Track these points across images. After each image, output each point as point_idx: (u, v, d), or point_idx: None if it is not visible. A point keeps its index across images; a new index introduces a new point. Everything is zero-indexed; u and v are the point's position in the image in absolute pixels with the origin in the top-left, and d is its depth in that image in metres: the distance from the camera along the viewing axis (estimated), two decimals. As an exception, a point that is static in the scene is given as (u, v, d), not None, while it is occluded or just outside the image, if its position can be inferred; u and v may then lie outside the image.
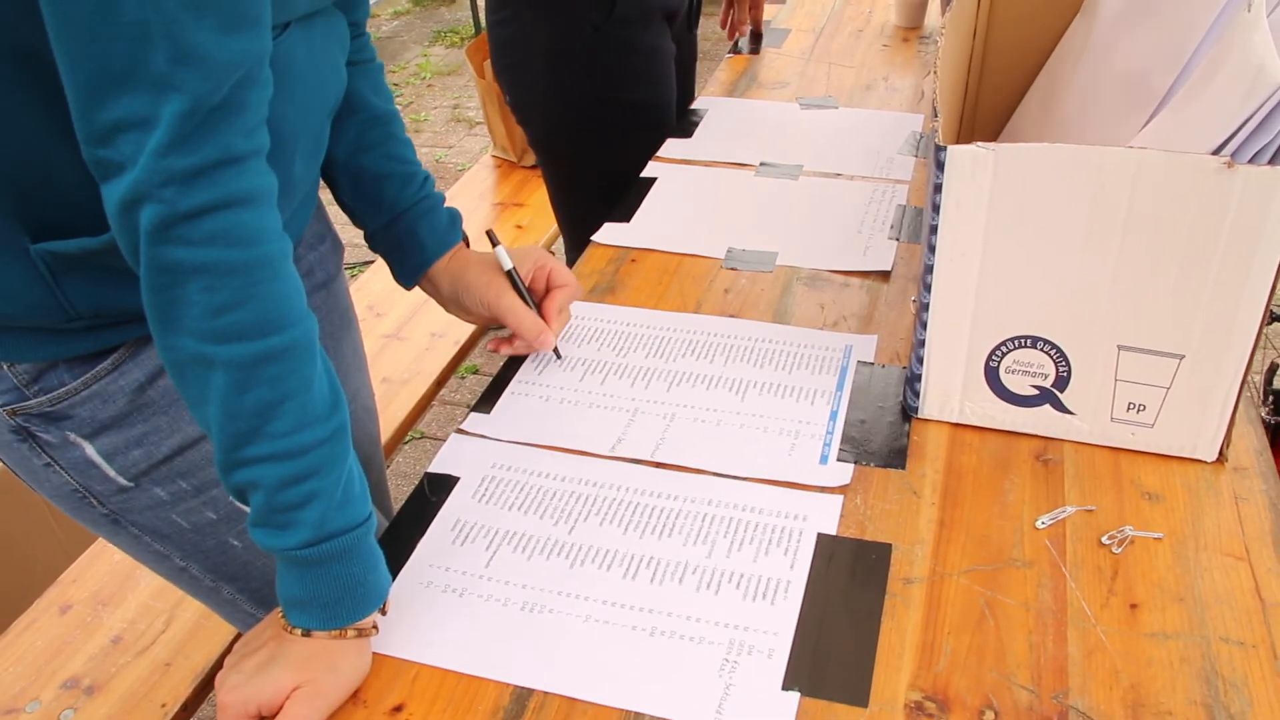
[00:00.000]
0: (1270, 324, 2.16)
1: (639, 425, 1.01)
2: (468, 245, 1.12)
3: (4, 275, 0.79)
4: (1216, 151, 0.85)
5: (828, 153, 1.56)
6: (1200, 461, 0.94)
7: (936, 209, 0.90)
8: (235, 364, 0.69)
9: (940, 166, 0.88)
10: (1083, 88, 1.33)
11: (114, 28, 0.61)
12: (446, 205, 1.10)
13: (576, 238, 1.76)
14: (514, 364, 1.12)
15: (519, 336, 1.08)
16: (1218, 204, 0.82)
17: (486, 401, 1.07)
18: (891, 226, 1.35)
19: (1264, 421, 1.77)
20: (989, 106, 1.53)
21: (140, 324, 0.84)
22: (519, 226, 2.43)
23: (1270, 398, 1.80)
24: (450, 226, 1.10)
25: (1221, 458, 0.94)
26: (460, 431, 1.03)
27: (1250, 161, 0.84)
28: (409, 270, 1.10)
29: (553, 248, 2.46)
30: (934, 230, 0.91)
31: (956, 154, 0.87)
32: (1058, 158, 0.85)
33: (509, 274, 1.07)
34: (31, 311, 0.81)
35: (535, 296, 1.10)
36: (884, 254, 1.29)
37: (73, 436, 0.89)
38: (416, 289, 1.12)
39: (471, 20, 4.96)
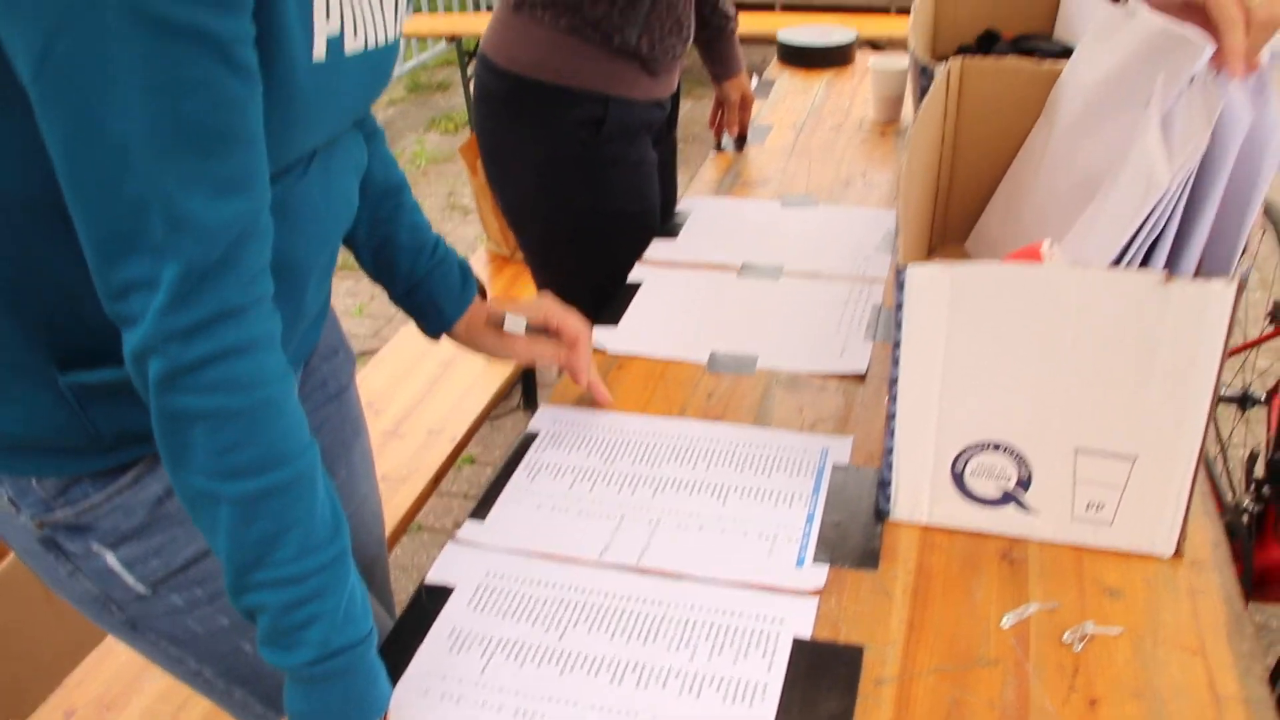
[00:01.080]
0: (1248, 407, 2.20)
1: (625, 531, 1.06)
2: (484, 295, 1.24)
3: (34, 403, 0.85)
4: (1119, 258, 0.91)
5: (808, 252, 1.63)
6: (1159, 557, 0.99)
7: (899, 324, 0.96)
8: (241, 499, 0.74)
9: (901, 285, 0.94)
10: (1043, 191, 1.40)
11: (117, 202, 0.67)
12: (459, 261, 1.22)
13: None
14: (508, 468, 1.17)
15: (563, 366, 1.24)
16: (1156, 316, 0.88)
17: (481, 509, 1.11)
18: (867, 326, 1.41)
19: (1248, 510, 1.80)
20: (961, 202, 1.59)
21: None
22: (514, 319, 2.49)
23: (1252, 485, 1.84)
24: (463, 288, 1.20)
25: (1179, 552, 0.99)
26: (456, 540, 1.07)
27: (1146, 263, 0.91)
28: (432, 330, 1.23)
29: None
30: (898, 345, 0.97)
31: (915, 274, 0.93)
32: (1009, 276, 0.91)
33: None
34: (59, 435, 0.87)
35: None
36: (860, 355, 1.34)
37: (95, 546, 0.94)
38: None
39: (465, 108, 5.09)
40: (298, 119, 0.79)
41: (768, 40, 3.12)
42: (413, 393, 2.13)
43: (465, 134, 5.04)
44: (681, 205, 1.82)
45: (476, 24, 4.91)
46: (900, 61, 2.14)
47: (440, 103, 6.14)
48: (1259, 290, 3.16)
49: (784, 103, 2.33)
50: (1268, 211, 2.53)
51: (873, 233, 1.68)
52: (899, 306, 0.95)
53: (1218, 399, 0.94)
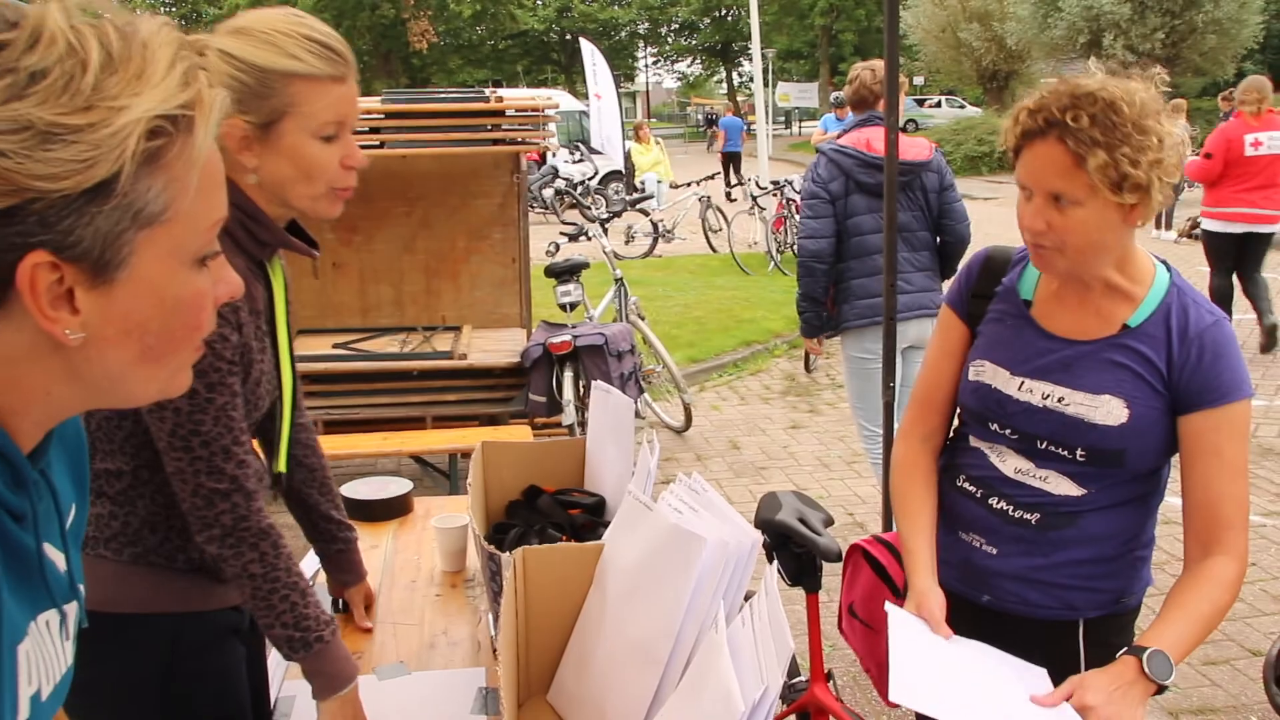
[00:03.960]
0: None
1: None
2: None
3: None
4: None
5: (410, 726, 1.79)
6: None
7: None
8: None
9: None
10: (606, 653, 1.69)
11: None
12: None
13: None
14: None
15: None
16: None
17: None
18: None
19: None
20: (540, 660, 1.84)
21: None
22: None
23: None
24: None
25: None
26: None
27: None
28: None
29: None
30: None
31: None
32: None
33: None
34: None
35: None
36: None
37: None
38: None
39: None
40: None
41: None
42: None
43: None
44: (282, 694, 1.92)
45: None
46: (460, 518, 2.43)
47: None
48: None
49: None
50: None
51: (465, 695, 1.88)
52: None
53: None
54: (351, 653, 2.05)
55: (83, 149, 0.78)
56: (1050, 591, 1.86)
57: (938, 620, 1.79)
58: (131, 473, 1.66)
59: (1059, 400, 1.81)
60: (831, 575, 2.97)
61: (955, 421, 2.06)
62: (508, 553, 1.77)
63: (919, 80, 37.21)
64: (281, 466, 1.85)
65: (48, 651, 0.96)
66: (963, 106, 34.83)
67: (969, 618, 1.92)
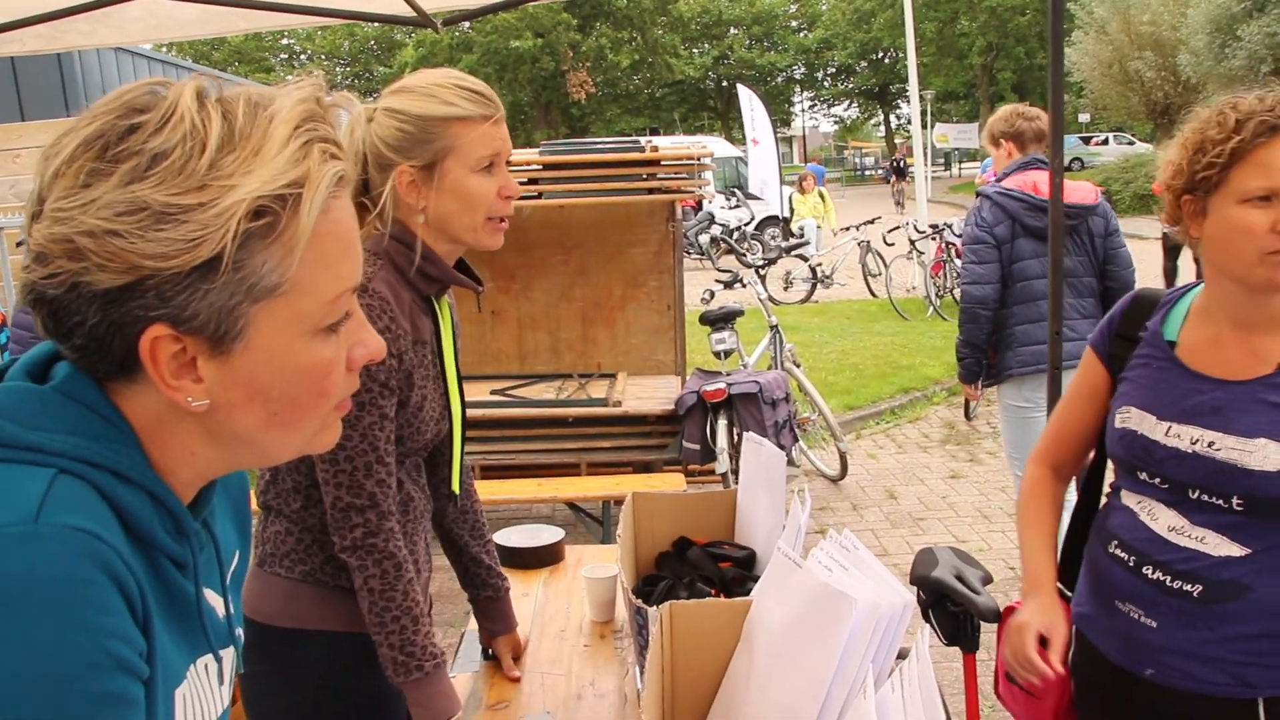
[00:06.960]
0: None
1: None
2: None
3: None
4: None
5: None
6: None
7: None
8: None
9: None
10: (753, 712, 1.65)
11: None
12: None
13: None
14: None
15: None
16: None
17: None
18: None
19: None
20: (685, 713, 1.82)
21: None
22: None
23: None
24: None
25: None
26: None
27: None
28: None
29: None
30: None
31: None
32: None
33: None
34: None
35: None
36: None
37: None
38: None
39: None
40: None
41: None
42: None
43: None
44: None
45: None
46: (610, 569, 2.43)
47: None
48: None
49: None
50: None
51: (611, 750, 1.87)
52: None
53: None
54: (499, 702, 2.09)
55: (192, 228, 0.80)
56: (1220, 667, 1.71)
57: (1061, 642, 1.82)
58: (305, 491, 1.79)
59: (1209, 445, 1.68)
60: (990, 633, 2.85)
61: (1110, 476, 1.96)
62: (654, 607, 1.76)
63: (1084, 117, 36.10)
64: (455, 487, 2.01)
65: (204, 696, 0.99)
66: (1131, 143, 33.52)
67: (1132, 693, 1.80)
